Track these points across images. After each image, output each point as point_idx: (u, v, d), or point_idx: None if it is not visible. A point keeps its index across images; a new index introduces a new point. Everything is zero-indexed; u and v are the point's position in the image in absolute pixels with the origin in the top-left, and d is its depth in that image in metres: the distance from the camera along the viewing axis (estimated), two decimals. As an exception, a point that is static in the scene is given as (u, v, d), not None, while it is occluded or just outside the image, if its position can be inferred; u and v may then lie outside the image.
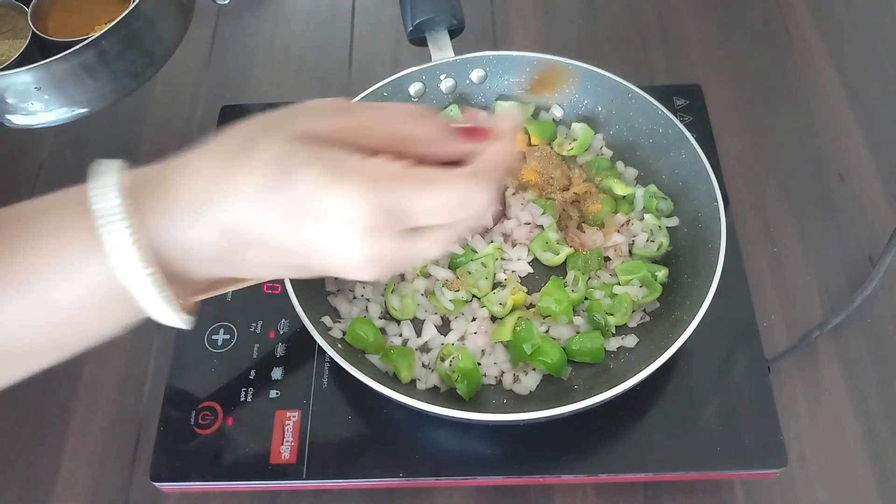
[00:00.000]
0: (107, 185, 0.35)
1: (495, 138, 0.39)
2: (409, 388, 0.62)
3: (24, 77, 0.65)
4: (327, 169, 0.34)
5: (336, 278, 0.67)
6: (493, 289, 0.67)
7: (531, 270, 0.69)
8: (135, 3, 0.67)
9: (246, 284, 0.54)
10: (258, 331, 0.67)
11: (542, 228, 0.70)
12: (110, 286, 0.35)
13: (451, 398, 0.61)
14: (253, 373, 0.64)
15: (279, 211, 0.34)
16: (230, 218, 0.35)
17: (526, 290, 0.67)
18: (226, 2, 0.73)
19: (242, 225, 0.35)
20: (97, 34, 0.65)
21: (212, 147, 0.37)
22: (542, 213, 0.70)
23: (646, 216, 0.69)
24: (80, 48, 0.65)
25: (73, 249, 0.35)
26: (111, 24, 0.66)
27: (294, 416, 0.62)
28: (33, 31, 0.70)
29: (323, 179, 0.33)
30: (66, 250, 0.35)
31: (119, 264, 0.35)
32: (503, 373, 0.63)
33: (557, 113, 0.76)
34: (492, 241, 0.69)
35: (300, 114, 0.37)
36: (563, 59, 0.73)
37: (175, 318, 0.38)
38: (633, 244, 0.69)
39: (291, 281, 0.60)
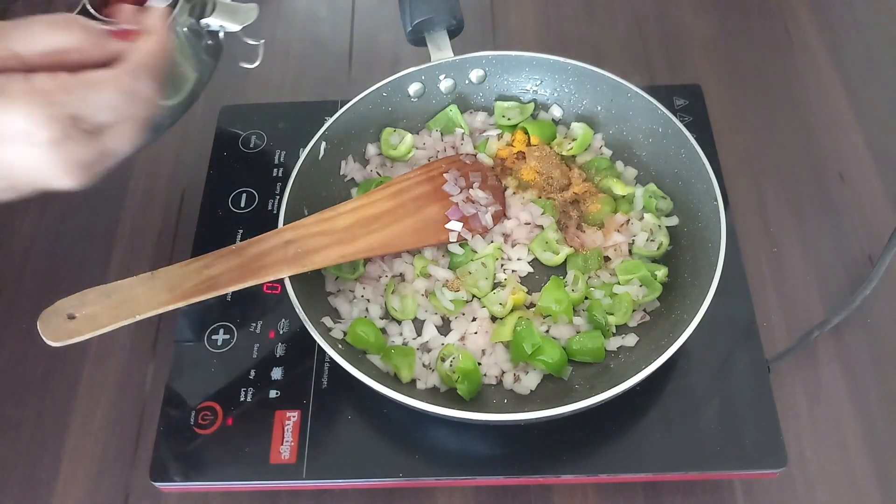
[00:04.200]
0: None
1: (145, 34, 0.42)
2: (410, 388, 0.62)
3: None
4: None
5: (336, 278, 0.67)
6: (494, 289, 0.67)
7: (531, 270, 0.69)
8: None
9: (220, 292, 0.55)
10: (258, 331, 0.67)
11: (542, 228, 0.70)
12: None
13: (452, 398, 0.61)
14: (253, 373, 0.64)
15: None
16: None
17: (526, 289, 0.67)
18: (254, 66, 0.70)
19: None
20: None
21: None
22: (542, 213, 0.70)
23: (645, 216, 0.69)
24: None
25: None
26: None
27: (294, 416, 0.62)
28: None
29: None
30: None
31: None
32: (503, 373, 0.63)
33: (557, 113, 0.76)
34: (492, 241, 0.69)
35: None
36: (562, 59, 0.73)
37: None
38: (632, 244, 0.69)
39: (292, 281, 0.60)
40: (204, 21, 0.65)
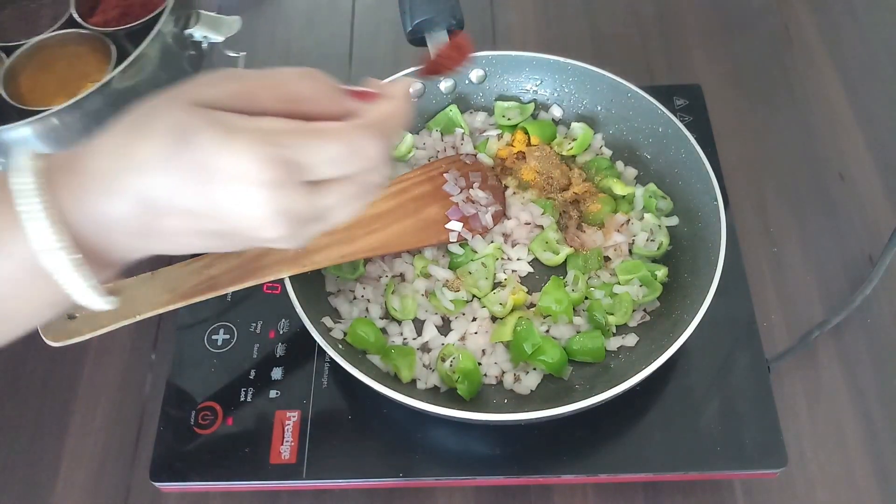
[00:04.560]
0: (21, 167, 0.37)
1: (386, 98, 0.41)
2: (410, 387, 0.62)
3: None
4: (221, 129, 0.35)
5: (336, 278, 0.67)
6: (494, 289, 0.67)
7: (531, 270, 0.69)
8: (114, 67, 0.66)
9: (222, 290, 0.55)
10: (258, 331, 0.67)
11: (542, 228, 0.70)
12: (32, 263, 0.36)
13: (452, 398, 0.61)
14: (253, 373, 0.64)
15: (182, 174, 0.35)
16: (140, 187, 0.36)
17: (526, 289, 0.67)
18: (241, 54, 0.71)
19: (152, 192, 0.36)
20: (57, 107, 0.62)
21: (116, 125, 0.38)
22: (542, 213, 0.70)
23: (645, 216, 0.69)
24: (43, 116, 0.62)
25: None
26: (88, 91, 0.63)
27: (294, 416, 0.62)
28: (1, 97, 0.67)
29: (217, 139, 0.35)
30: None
31: (35, 238, 0.36)
32: (504, 373, 0.63)
33: (557, 113, 0.76)
34: (492, 241, 0.69)
35: (194, 84, 0.38)
36: (562, 59, 0.73)
37: (93, 295, 0.38)
38: (632, 244, 0.69)
39: (292, 281, 0.60)
40: (188, 31, 0.67)
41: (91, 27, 0.71)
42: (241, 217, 0.37)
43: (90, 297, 0.38)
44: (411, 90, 0.65)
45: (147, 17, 0.69)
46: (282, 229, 0.37)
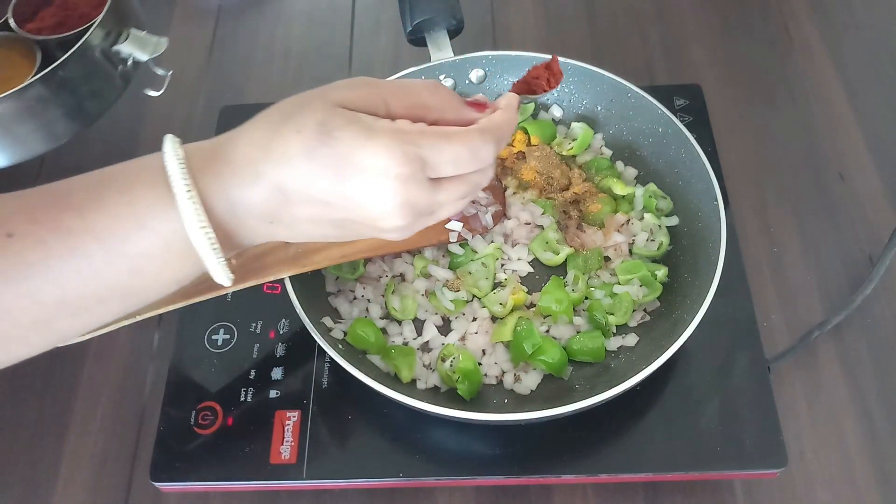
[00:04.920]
0: (169, 152, 0.41)
1: (499, 110, 0.47)
2: (410, 387, 0.62)
3: None
4: (362, 128, 0.40)
5: (336, 278, 0.67)
6: (494, 289, 0.67)
7: (531, 270, 0.69)
8: (34, 75, 0.67)
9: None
10: (258, 331, 0.67)
11: (542, 228, 0.70)
12: (173, 241, 0.41)
13: (452, 398, 0.61)
14: (253, 373, 0.64)
15: (322, 166, 0.39)
16: (280, 176, 0.40)
17: (526, 289, 0.67)
18: (159, 93, 0.73)
19: (291, 182, 0.40)
20: None
21: (259, 119, 0.42)
22: (542, 213, 0.70)
23: (646, 215, 0.69)
24: None
25: (145, 206, 0.40)
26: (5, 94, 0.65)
27: (294, 416, 0.62)
28: None
29: (359, 137, 0.40)
30: (139, 207, 0.40)
31: (187, 218, 0.40)
32: (504, 373, 0.63)
33: (557, 113, 0.76)
34: (492, 241, 0.69)
35: (336, 87, 0.43)
36: (562, 59, 0.73)
37: (222, 273, 0.42)
38: (633, 243, 0.69)
39: (292, 281, 0.60)
40: (116, 48, 0.69)
41: (23, 32, 0.72)
42: (369, 207, 0.41)
43: (220, 272, 0.42)
44: (165, 72, 0.72)
45: (78, 29, 0.70)
46: (401, 220, 0.42)
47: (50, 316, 0.41)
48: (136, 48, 0.69)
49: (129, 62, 0.70)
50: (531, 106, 0.76)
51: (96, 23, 0.68)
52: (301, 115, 0.40)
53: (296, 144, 0.40)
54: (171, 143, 0.42)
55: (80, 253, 0.40)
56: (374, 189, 0.40)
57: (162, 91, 0.73)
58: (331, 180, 0.40)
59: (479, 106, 0.47)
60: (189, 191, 0.40)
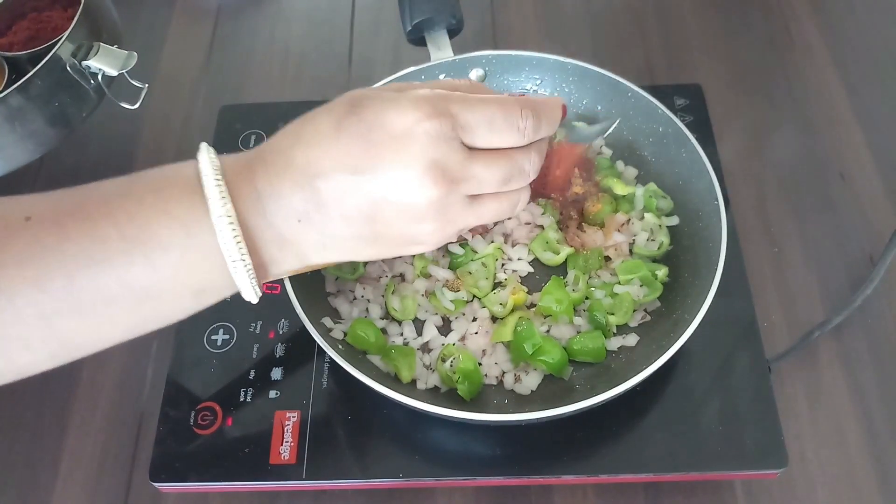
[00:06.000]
0: (208, 167, 0.40)
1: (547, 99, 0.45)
2: (410, 388, 0.62)
3: None
4: (388, 96, 0.39)
5: (336, 279, 0.67)
6: (494, 289, 0.66)
7: (531, 270, 0.68)
8: (2, 91, 0.67)
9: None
10: (258, 331, 0.67)
11: (542, 228, 0.70)
12: (203, 245, 0.39)
13: (452, 398, 0.61)
14: (253, 373, 0.64)
15: (350, 137, 0.38)
16: (308, 156, 0.39)
17: (526, 289, 0.67)
18: (135, 107, 0.73)
19: (319, 160, 0.39)
20: None
21: (289, 124, 0.42)
22: (542, 213, 0.70)
23: (646, 215, 0.69)
24: None
25: (177, 209, 0.39)
26: None
27: (294, 417, 0.62)
28: None
29: (387, 101, 0.39)
30: (171, 209, 0.39)
31: (222, 236, 0.39)
32: (504, 373, 0.63)
33: (557, 113, 0.76)
34: (492, 241, 0.69)
35: (362, 89, 0.42)
36: (562, 59, 0.73)
37: (251, 290, 0.42)
38: (633, 243, 0.69)
39: (292, 281, 0.60)
40: (86, 63, 0.69)
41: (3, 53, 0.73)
42: (398, 174, 0.38)
43: (248, 287, 0.42)
44: (142, 85, 0.72)
45: (46, 45, 0.71)
46: (431, 181, 0.39)
47: (53, 309, 0.39)
48: (105, 63, 0.69)
49: (100, 77, 0.70)
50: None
51: (64, 37, 0.68)
52: (327, 106, 0.40)
53: (326, 123, 0.39)
54: (206, 153, 0.41)
55: (100, 238, 0.38)
56: (401, 146, 0.38)
57: (138, 105, 0.72)
58: (360, 149, 0.38)
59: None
60: (225, 204, 0.38)
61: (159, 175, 0.41)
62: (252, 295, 0.42)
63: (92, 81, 0.70)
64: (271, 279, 0.44)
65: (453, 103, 0.39)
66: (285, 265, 0.43)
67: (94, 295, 0.39)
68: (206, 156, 0.40)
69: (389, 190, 0.39)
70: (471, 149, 0.40)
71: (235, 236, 0.39)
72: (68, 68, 0.68)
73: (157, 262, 0.39)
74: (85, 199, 0.39)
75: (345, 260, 0.44)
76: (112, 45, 0.70)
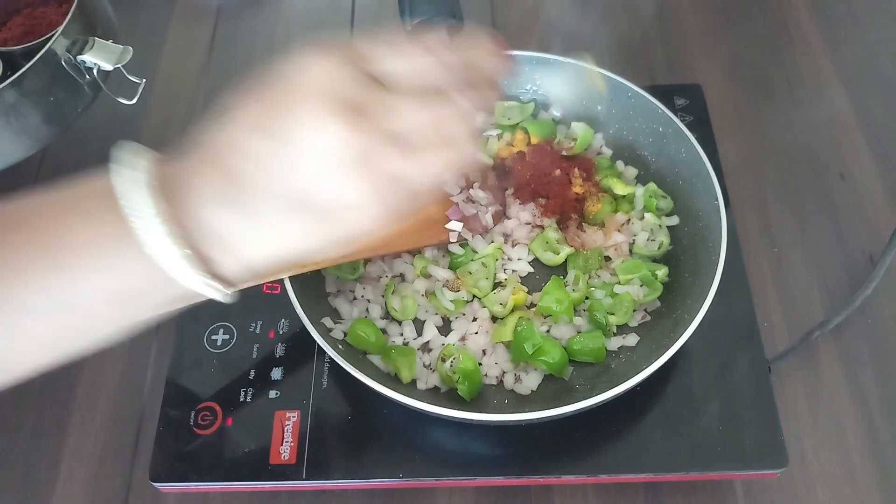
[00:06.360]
0: (137, 174, 0.38)
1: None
2: (410, 388, 0.62)
3: None
4: (290, 57, 0.36)
5: (336, 278, 0.67)
6: (494, 289, 0.66)
7: (531, 270, 0.68)
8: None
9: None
10: (258, 331, 0.67)
11: (542, 228, 0.69)
12: (152, 265, 0.36)
13: (452, 398, 0.61)
14: (252, 373, 0.64)
15: (252, 98, 0.36)
16: (214, 134, 0.37)
17: (526, 289, 0.67)
18: (132, 102, 0.73)
19: (224, 135, 0.36)
20: None
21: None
22: (542, 214, 0.70)
23: (646, 215, 0.69)
24: None
25: (100, 216, 0.37)
26: None
27: (294, 417, 0.62)
28: None
29: (285, 62, 0.36)
30: (92, 217, 0.37)
31: (149, 244, 0.36)
32: (504, 373, 0.63)
33: (557, 112, 0.76)
34: (492, 241, 0.69)
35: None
36: (562, 58, 0.73)
37: (210, 288, 0.38)
38: (633, 243, 0.69)
39: (292, 281, 0.60)
40: (81, 57, 0.69)
41: None
42: (302, 120, 0.35)
43: (207, 289, 0.38)
44: (139, 80, 0.71)
45: (40, 39, 0.70)
46: (343, 124, 0.34)
47: None
48: (100, 58, 0.69)
49: (96, 71, 0.70)
50: (531, 105, 0.76)
51: (58, 32, 0.67)
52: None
53: (232, 98, 0.37)
54: (123, 150, 0.38)
55: (8, 244, 0.36)
56: (299, 91, 0.35)
57: (135, 100, 0.72)
58: (259, 107, 0.36)
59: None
60: (159, 216, 0.36)
61: (79, 181, 0.38)
62: (219, 295, 0.39)
63: (87, 76, 0.70)
64: (226, 284, 0.40)
65: (355, 40, 0.36)
66: (227, 264, 0.39)
67: (6, 304, 0.36)
68: (123, 153, 0.38)
69: (297, 141, 0.35)
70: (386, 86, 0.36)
71: (164, 231, 0.36)
72: (63, 63, 0.68)
73: (75, 266, 0.36)
74: (3, 207, 0.37)
75: (289, 251, 0.38)
76: (107, 40, 0.70)
